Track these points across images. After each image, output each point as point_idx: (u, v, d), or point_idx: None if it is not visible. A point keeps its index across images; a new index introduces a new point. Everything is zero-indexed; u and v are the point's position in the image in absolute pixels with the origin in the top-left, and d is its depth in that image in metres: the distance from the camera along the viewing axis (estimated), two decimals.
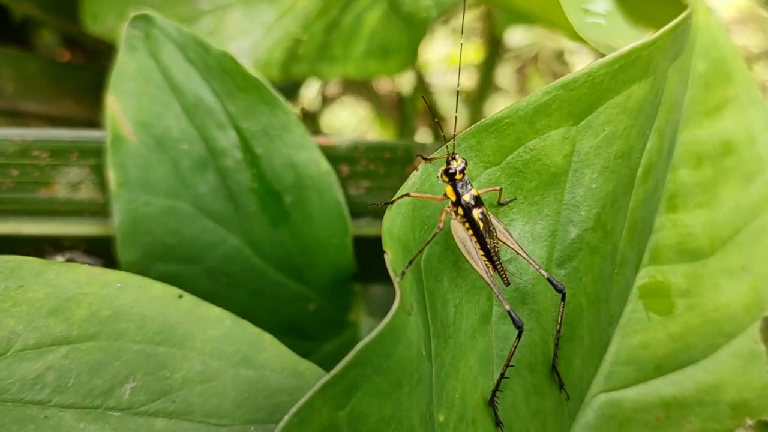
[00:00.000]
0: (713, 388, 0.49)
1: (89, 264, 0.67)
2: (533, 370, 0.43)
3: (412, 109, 1.29)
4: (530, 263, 0.40)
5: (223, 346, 0.46)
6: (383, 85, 1.69)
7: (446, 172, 0.39)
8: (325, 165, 0.63)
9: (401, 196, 0.39)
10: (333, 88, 1.59)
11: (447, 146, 0.40)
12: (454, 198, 0.40)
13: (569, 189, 0.43)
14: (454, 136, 0.40)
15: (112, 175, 0.58)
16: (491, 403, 0.41)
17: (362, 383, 0.34)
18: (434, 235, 0.38)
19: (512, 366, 0.41)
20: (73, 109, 1.02)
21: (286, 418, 0.32)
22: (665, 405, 0.47)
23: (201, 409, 0.44)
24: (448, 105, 1.57)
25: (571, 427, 0.45)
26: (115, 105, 0.59)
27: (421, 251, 0.38)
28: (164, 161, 0.60)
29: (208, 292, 0.62)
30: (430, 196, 0.40)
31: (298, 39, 0.80)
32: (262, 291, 0.65)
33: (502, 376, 0.40)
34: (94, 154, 0.63)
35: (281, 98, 0.62)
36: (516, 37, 1.89)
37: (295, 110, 1.40)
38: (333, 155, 0.68)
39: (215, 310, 0.47)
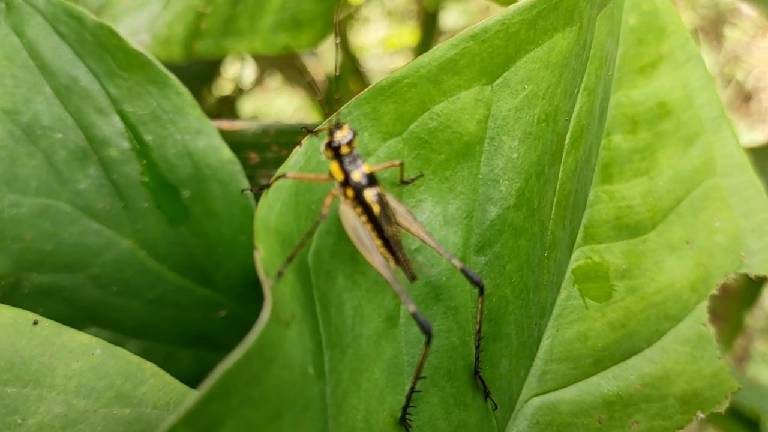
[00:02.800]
0: (660, 381, 0.43)
1: None
2: (452, 378, 0.36)
3: (344, 90, 1.22)
4: (440, 252, 0.33)
5: (92, 381, 0.38)
6: (319, 70, 1.61)
7: (329, 145, 0.32)
8: (227, 153, 0.55)
9: (278, 177, 0.31)
10: (267, 74, 1.52)
11: (332, 117, 0.33)
12: (341, 177, 0.32)
13: (486, 161, 0.37)
14: (338, 100, 0.32)
15: None
16: (402, 421, 0.34)
17: (227, 418, 0.26)
18: (317, 224, 0.31)
19: (424, 378, 0.34)
20: None
21: None
22: (608, 405, 0.41)
23: None
24: None
25: None
26: None
27: (302, 245, 0.31)
28: (34, 154, 0.51)
29: (97, 303, 0.54)
30: (312, 176, 0.32)
31: (201, 12, 0.72)
32: (161, 298, 0.57)
33: (412, 390, 0.33)
34: None
35: (173, 77, 0.53)
36: (451, 18, 1.85)
37: (213, 97, 1.31)
38: (239, 141, 0.60)
39: (82, 337, 0.39)
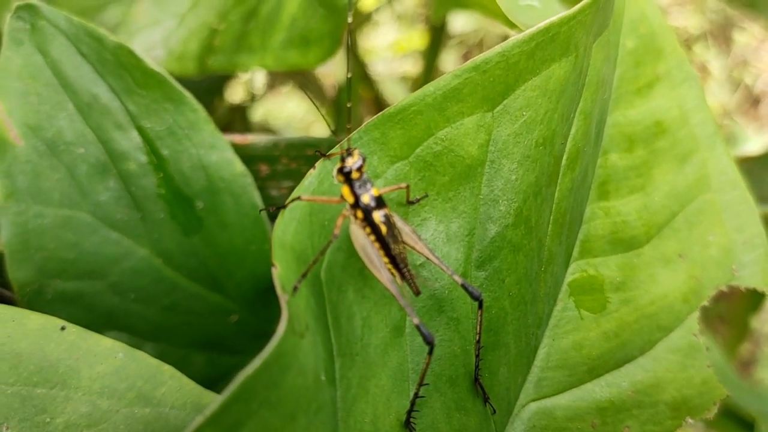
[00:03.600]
0: (651, 388, 0.46)
1: None
2: (454, 384, 0.39)
3: (355, 98, 1.24)
4: (442, 268, 0.36)
5: (115, 382, 0.41)
6: (329, 78, 1.64)
7: (341, 170, 0.35)
8: (239, 166, 0.58)
9: (293, 200, 0.34)
10: (278, 80, 1.54)
11: (343, 142, 0.35)
12: (351, 200, 0.35)
13: (486, 182, 0.39)
14: (349, 129, 0.35)
15: None
16: (407, 425, 0.37)
17: (248, 420, 0.29)
18: (329, 244, 0.34)
19: (427, 384, 0.37)
20: None
21: None
22: (601, 410, 0.44)
23: None
24: (394, 92, 1.53)
25: None
26: None
27: (315, 261, 0.33)
28: (58, 167, 0.54)
29: (116, 309, 0.57)
30: (325, 198, 0.35)
31: (214, 29, 0.75)
32: (176, 305, 0.60)
33: (416, 395, 0.36)
34: None
35: (188, 94, 0.56)
36: (459, 22, 1.87)
37: (225, 105, 1.33)
38: (250, 154, 0.63)
39: (106, 342, 0.41)
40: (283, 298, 0.30)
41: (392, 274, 0.36)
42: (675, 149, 0.54)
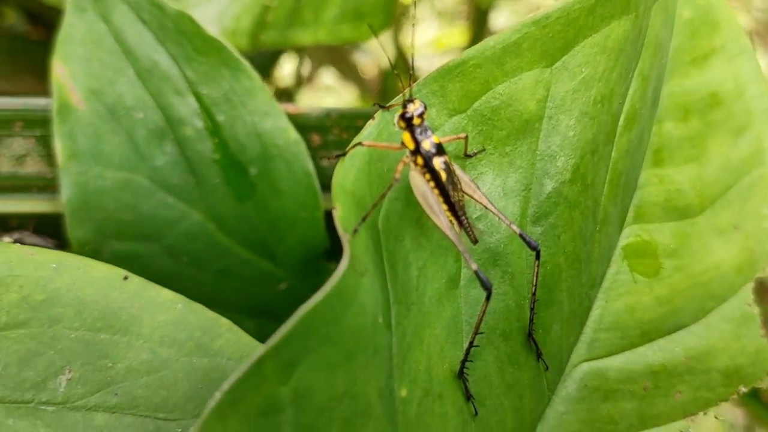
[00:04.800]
0: (704, 355, 0.45)
1: (40, 245, 0.63)
2: (507, 338, 0.39)
3: (393, 88, 1.25)
4: (501, 218, 0.36)
5: (174, 332, 0.42)
6: (369, 69, 1.65)
7: (402, 116, 0.35)
8: (293, 134, 0.58)
9: (354, 146, 0.35)
10: (322, 76, 1.55)
11: (404, 92, 0.36)
12: (412, 146, 0.35)
13: (544, 138, 0.39)
14: (411, 77, 0.35)
15: (59, 147, 0.54)
16: (460, 375, 0.37)
17: (307, 355, 0.29)
18: (390, 187, 0.34)
19: (482, 333, 0.37)
20: (34, 85, 0.98)
21: (216, 395, 0.28)
22: (653, 374, 0.44)
23: (147, 402, 0.40)
24: None
25: (551, 400, 0.41)
26: (62, 71, 0.54)
27: (376, 205, 0.34)
28: (118, 131, 0.56)
29: (169, 272, 0.58)
30: (386, 144, 0.36)
31: (266, 5, 0.76)
32: (228, 270, 0.61)
33: (471, 344, 0.36)
34: (40, 124, 0.58)
35: (245, 61, 0.57)
36: (501, 19, 1.86)
37: (272, 88, 1.35)
38: (302, 124, 0.64)
39: (166, 293, 0.42)
40: (345, 237, 0.31)
41: (450, 221, 0.36)
42: (730, 122, 0.54)
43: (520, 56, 0.38)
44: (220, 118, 0.57)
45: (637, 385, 0.43)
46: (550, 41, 0.38)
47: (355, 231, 0.32)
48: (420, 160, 0.35)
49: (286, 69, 1.48)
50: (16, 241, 0.60)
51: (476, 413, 0.38)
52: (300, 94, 1.70)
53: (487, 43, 0.37)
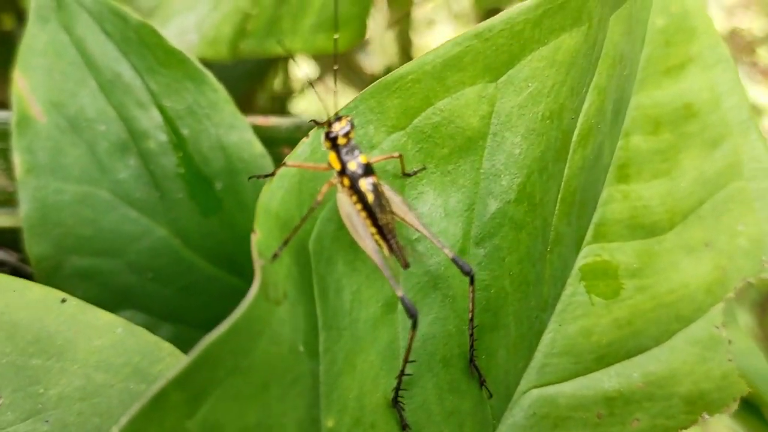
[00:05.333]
0: (665, 380, 0.43)
1: (3, 259, 0.62)
2: (447, 364, 0.37)
3: None
4: (433, 241, 0.34)
5: (112, 357, 0.40)
6: (377, 70, 1.63)
7: (327, 136, 0.34)
8: (258, 147, 0.57)
9: (280, 166, 0.33)
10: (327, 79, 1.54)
11: (337, 111, 0.34)
12: (338, 166, 0.34)
13: (488, 155, 0.38)
14: (335, 92, 0.34)
15: (17, 161, 0.53)
16: (395, 403, 0.35)
17: (216, 386, 0.28)
18: (311, 210, 0.33)
19: (414, 362, 0.36)
20: None
21: (114, 431, 0.27)
22: (608, 400, 0.42)
23: (79, 430, 0.39)
24: None
25: (497, 429, 0.40)
26: (22, 83, 0.53)
27: (297, 229, 0.32)
28: (78, 144, 0.55)
29: (133, 288, 0.57)
30: (312, 165, 0.34)
31: (247, 13, 0.75)
32: (194, 286, 0.59)
33: (402, 373, 0.35)
34: (1, 138, 0.57)
35: (208, 73, 0.56)
36: None
37: (266, 94, 1.33)
38: (273, 137, 0.62)
39: (105, 316, 0.41)
40: (258, 263, 0.29)
41: (379, 245, 0.35)
42: (705, 133, 0.52)
43: (462, 70, 0.36)
44: (185, 131, 0.56)
45: (590, 412, 0.41)
46: (494, 55, 0.36)
47: (275, 256, 0.31)
48: (346, 181, 0.34)
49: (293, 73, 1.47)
50: None
51: None
52: (302, 98, 1.69)
53: (426, 57, 0.36)
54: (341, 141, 0.34)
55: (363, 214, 0.34)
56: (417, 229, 0.34)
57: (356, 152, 0.34)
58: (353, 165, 0.34)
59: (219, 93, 0.55)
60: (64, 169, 0.54)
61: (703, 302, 0.47)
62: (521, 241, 0.38)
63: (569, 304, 0.43)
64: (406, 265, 0.35)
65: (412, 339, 0.34)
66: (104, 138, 0.54)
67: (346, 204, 0.34)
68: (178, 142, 0.55)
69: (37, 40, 0.53)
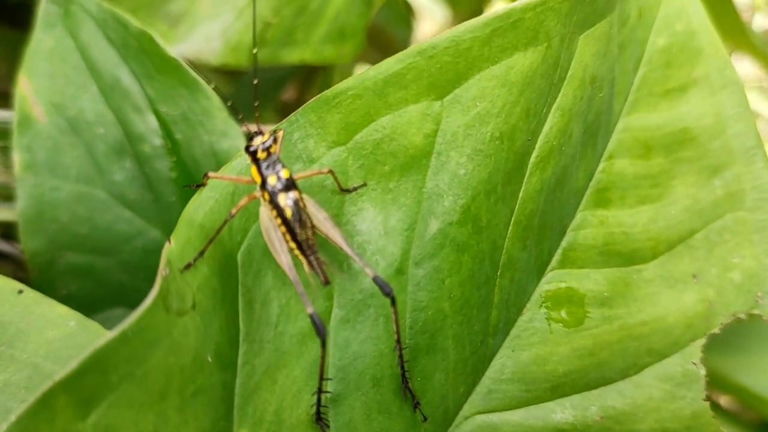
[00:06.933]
0: (626, 416, 0.42)
1: (7, 251, 0.65)
2: (378, 384, 0.37)
3: None
4: (355, 259, 0.34)
5: (62, 349, 0.41)
6: None
7: (247, 149, 0.34)
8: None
9: (205, 176, 0.34)
10: None
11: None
12: (258, 180, 0.34)
13: (432, 175, 0.37)
14: (256, 108, 0.34)
15: (17, 158, 0.55)
16: (318, 420, 0.35)
17: (108, 392, 0.29)
18: (225, 222, 0.33)
19: (330, 379, 0.35)
20: None
21: (3, 427, 0.28)
22: None
23: None
24: None
25: None
26: (26, 85, 0.56)
27: (212, 240, 0.33)
28: (77, 145, 0.57)
29: (126, 287, 0.59)
30: (234, 177, 0.34)
31: (268, 23, 0.76)
32: None
33: (319, 390, 0.34)
34: (4, 136, 0.60)
35: (202, 82, 0.57)
36: None
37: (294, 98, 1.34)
38: None
39: (60, 309, 0.42)
40: (162, 273, 0.30)
41: (299, 260, 0.34)
42: (703, 160, 0.50)
43: (405, 88, 0.36)
44: (178, 136, 0.57)
45: None
46: (438, 73, 0.36)
47: (188, 266, 0.31)
48: (266, 195, 0.34)
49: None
50: None
51: None
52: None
53: (367, 72, 0.35)
54: (261, 155, 0.34)
55: (282, 228, 0.34)
56: (340, 247, 0.34)
57: (278, 166, 0.34)
58: (273, 179, 0.34)
59: (212, 100, 0.56)
60: (62, 168, 0.56)
61: (681, 337, 0.45)
62: (463, 263, 0.38)
63: (525, 330, 0.41)
64: (326, 282, 0.35)
65: (323, 357, 0.33)
66: (102, 140, 0.56)
67: (265, 218, 0.34)
68: (172, 146, 0.57)
69: (42, 45, 0.55)
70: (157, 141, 0.57)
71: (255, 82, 0.34)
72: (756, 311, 0.47)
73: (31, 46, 0.55)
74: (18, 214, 0.55)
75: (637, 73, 0.50)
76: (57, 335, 0.41)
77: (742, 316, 0.47)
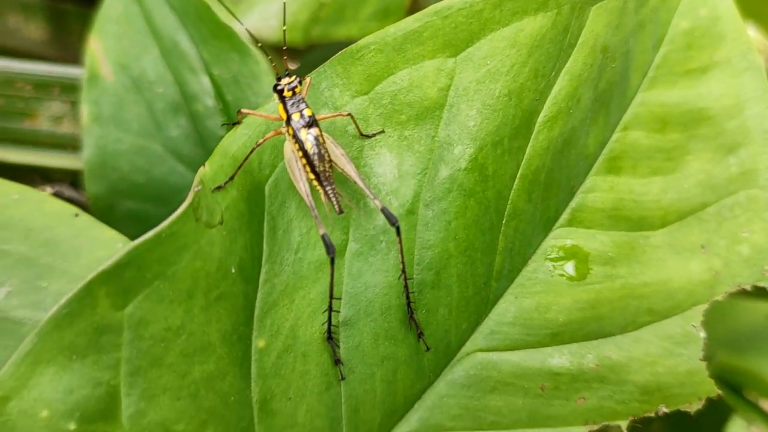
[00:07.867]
0: (622, 366, 0.44)
1: (76, 198, 0.71)
2: (385, 312, 0.40)
3: None
4: (366, 191, 0.38)
5: None
6: None
7: (274, 88, 0.38)
8: None
9: (239, 113, 0.38)
10: None
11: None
12: (284, 116, 0.38)
13: (444, 125, 0.41)
14: (284, 48, 0.38)
15: (85, 111, 0.61)
16: (329, 339, 0.39)
17: (143, 287, 0.33)
18: (252, 150, 0.37)
19: (339, 299, 0.39)
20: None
21: (53, 308, 0.32)
22: (554, 375, 0.43)
23: None
24: None
25: (434, 382, 0.42)
26: (96, 45, 0.62)
27: (240, 166, 0.37)
28: (139, 102, 0.63)
29: None
30: (265, 114, 0.39)
31: (323, 2, 0.81)
32: None
33: (330, 308, 0.38)
34: (75, 91, 0.66)
35: (252, 47, 0.62)
36: None
37: None
38: None
39: (110, 233, 0.47)
40: (194, 188, 0.34)
41: (317, 189, 0.39)
42: (720, 138, 0.52)
43: (422, 44, 0.40)
44: (229, 97, 0.62)
45: (533, 383, 0.43)
46: (453, 32, 0.39)
47: (219, 188, 0.36)
48: (290, 130, 0.38)
49: None
50: (55, 193, 0.68)
51: (342, 377, 0.40)
52: None
53: (388, 29, 0.39)
54: (287, 93, 0.38)
55: (303, 161, 0.38)
56: (353, 179, 0.38)
57: (302, 105, 0.38)
58: (297, 116, 0.38)
59: (261, 65, 0.61)
60: (125, 122, 0.62)
61: (683, 301, 0.47)
62: (469, 207, 0.41)
63: (528, 279, 0.44)
64: (339, 211, 0.39)
65: (332, 275, 0.37)
66: (161, 98, 0.62)
67: (288, 150, 0.38)
68: (223, 107, 0.62)
69: (112, 10, 0.61)
70: (210, 101, 0.62)
71: (284, 28, 0.39)
72: (761, 284, 0.49)
73: (102, 10, 0.61)
74: (83, 162, 0.61)
75: (658, 52, 0.52)
76: (106, 254, 0.46)
77: (747, 287, 0.49)
